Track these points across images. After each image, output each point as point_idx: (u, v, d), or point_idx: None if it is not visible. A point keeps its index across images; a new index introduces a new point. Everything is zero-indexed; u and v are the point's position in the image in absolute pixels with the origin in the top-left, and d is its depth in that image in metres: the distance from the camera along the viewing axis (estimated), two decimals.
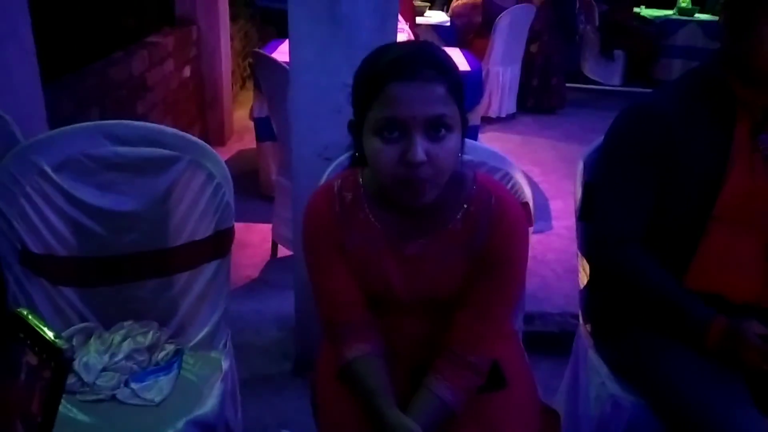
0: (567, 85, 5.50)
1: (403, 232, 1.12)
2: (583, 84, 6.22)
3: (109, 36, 3.17)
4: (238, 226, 1.47)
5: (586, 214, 1.49)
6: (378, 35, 1.68)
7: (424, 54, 1.01)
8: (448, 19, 5.15)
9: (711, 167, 1.28)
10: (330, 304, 1.14)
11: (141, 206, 1.40)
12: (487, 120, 4.78)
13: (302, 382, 1.96)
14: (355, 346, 1.10)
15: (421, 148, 0.97)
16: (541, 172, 3.98)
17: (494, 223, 1.10)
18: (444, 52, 1.04)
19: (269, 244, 2.85)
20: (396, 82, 0.97)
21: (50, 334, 0.45)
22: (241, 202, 1.51)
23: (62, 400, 0.46)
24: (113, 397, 1.30)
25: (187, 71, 3.74)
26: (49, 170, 1.35)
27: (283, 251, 2.77)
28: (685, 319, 1.26)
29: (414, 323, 1.15)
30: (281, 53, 2.97)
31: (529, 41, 4.98)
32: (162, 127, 1.43)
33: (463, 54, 3.54)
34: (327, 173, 1.39)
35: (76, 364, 1.31)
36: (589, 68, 6.30)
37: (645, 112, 1.34)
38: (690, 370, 1.24)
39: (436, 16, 5.23)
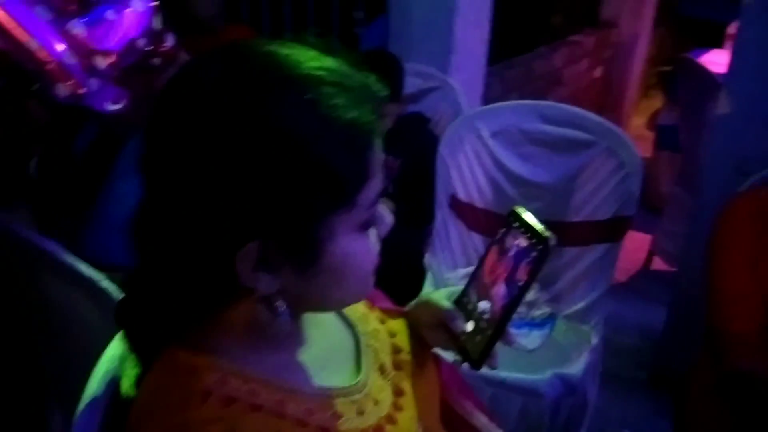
0: None
1: None
2: None
3: (537, 32, 3.47)
4: None
5: None
6: None
7: None
8: None
9: None
10: (726, 311, 1.10)
11: (552, 180, 1.57)
12: None
13: (654, 394, 1.91)
14: (745, 359, 1.05)
15: None
16: None
17: None
18: None
19: (642, 254, 2.77)
20: None
21: (540, 227, 0.60)
22: None
23: None
24: None
25: (598, 72, 3.84)
26: (486, 135, 1.61)
27: (656, 264, 2.68)
28: None
29: None
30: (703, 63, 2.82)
31: None
32: (588, 113, 1.55)
33: None
34: (744, 188, 1.33)
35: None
36: None
37: None
38: None
39: None
